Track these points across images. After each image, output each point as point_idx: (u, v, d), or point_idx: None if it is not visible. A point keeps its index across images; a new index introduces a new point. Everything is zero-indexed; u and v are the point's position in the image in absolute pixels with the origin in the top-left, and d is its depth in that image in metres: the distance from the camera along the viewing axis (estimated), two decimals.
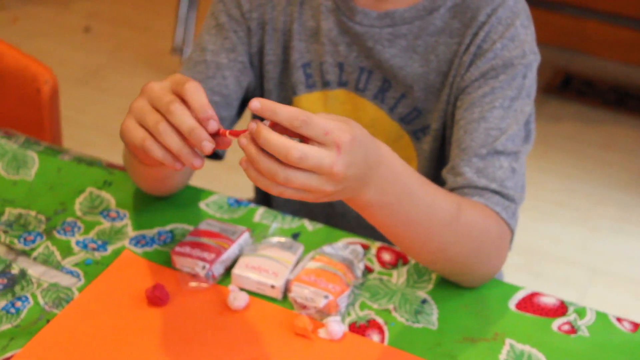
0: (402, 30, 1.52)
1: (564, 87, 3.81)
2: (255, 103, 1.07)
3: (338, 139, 1.09)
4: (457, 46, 1.50)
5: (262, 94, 1.65)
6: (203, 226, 1.46)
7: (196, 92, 1.13)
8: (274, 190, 1.10)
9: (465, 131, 1.46)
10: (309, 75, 1.59)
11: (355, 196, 1.18)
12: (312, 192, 1.11)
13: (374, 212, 1.23)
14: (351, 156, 1.10)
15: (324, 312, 1.34)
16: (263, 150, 1.08)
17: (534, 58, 1.51)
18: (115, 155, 3.22)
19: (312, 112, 1.38)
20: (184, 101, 1.14)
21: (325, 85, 1.59)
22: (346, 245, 1.44)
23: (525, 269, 2.99)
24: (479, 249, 1.38)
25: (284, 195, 1.10)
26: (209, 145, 1.11)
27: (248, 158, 1.09)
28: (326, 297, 1.33)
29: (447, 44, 1.51)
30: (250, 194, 2.03)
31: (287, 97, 1.63)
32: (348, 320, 1.36)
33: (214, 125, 1.12)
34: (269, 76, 1.62)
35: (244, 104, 1.63)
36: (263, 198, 1.81)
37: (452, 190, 1.43)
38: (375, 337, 1.33)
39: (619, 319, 1.38)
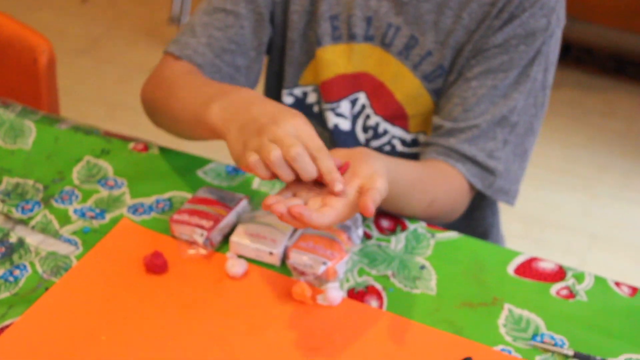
0: None
1: (563, 54, 3.77)
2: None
3: None
4: (489, 7, 1.52)
5: (284, 43, 1.66)
6: (201, 194, 1.46)
7: (327, 160, 1.20)
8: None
9: (474, 94, 1.52)
10: (335, 27, 1.60)
11: None
12: None
13: None
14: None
15: (323, 279, 1.34)
16: None
17: (557, 24, 1.53)
18: (113, 124, 3.22)
19: (335, 64, 1.58)
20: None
21: (352, 38, 1.60)
22: None
23: (526, 236, 2.99)
24: (439, 218, 1.53)
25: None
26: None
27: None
28: (324, 263, 1.33)
29: (479, 2, 1.52)
30: None
31: (310, 48, 1.63)
32: (346, 286, 1.36)
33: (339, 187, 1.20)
34: (294, 26, 1.63)
35: (261, 55, 1.66)
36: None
37: (439, 146, 1.53)
38: (373, 303, 1.33)
39: (617, 284, 1.38)
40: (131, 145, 1.61)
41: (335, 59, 1.61)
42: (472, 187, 1.56)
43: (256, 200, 1.48)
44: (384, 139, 1.64)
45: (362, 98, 1.63)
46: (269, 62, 1.72)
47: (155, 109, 1.57)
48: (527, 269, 1.40)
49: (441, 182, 1.51)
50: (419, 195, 1.45)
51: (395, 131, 1.63)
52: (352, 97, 1.63)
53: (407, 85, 1.60)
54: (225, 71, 1.58)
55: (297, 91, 1.67)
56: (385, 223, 1.47)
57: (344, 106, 1.64)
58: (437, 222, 1.54)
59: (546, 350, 1.26)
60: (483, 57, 1.52)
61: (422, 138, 1.63)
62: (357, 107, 1.64)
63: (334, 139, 1.65)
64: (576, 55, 3.82)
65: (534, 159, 3.14)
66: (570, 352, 1.26)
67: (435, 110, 1.60)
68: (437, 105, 1.60)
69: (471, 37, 1.54)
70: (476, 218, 1.77)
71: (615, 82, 3.73)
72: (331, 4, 1.60)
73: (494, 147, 1.53)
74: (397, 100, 1.60)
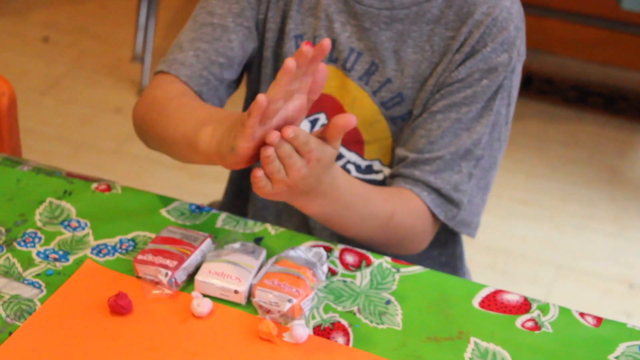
0: (400, 14, 1.55)
1: (525, 86, 3.82)
2: (290, 132, 1.24)
3: (311, 157, 1.28)
4: (450, 40, 1.54)
5: (260, 61, 1.67)
6: (165, 233, 1.45)
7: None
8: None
9: (439, 127, 1.53)
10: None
11: (301, 204, 1.39)
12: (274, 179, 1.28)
13: (318, 218, 1.47)
14: (309, 172, 1.28)
15: (288, 316, 1.34)
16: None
17: (518, 59, 1.56)
18: (78, 165, 3.20)
19: None
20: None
21: None
22: (309, 248, 1.44)
23: (492, 268, 3.00)
24: (402, 242, 1.56)
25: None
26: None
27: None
28: (290, 300, 1.33)
29: (441, 36, 1.54)
30: (211, 199, 2.02)
31: (278, 67, 1.63)
32: (312, 323, 1.35)
33: None
34: (268, 44, 1.64)
35: (244, 71, 1.67)
36: (237, 204, 1.82)
37: (404, 176, 1.55)
38: (340, 339, 1.33)
39: (582, 314, 1.38)
40: (94, 185, 1.60)
41: None
42: (435, 218, 1.56)
43: (221, 238, 1.48)
44: (339, 163, 1.65)
45: (322, 119, 1.64)
46: (248, 81, 1.72)
47: (147, 131, 1.58)
48: (492, 301, 1.40)
49: (402, 201, 1.53)
50: (377, 204, 1.48)
51: (351, 156, 1.64)
52: (312, 117, 1.64)
53: (365, 111, 1.60)
54: (212, 84, 1.59)
55: None
56: (350, 259, 1.47)
57: (304, 126, 1.64)
58: (399, 250, 1.55)
59: None
60: (447, 92, 1.54)
61: (376, 165, 1.64)
62: (317, 128, 1.64)
63: None
64: (538, 87, 3.85)
65: (497, 190, 3.16)
66: None
67: (400, 143, 1.60)
68: (396, 135, 1.61)
69: (434, 71, 1.55)
70: (438, 247, 1.77)
71: (577, 112, 3.76)
72: (297, 23, 1.61)
73: (460, 180, 1.54)
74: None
